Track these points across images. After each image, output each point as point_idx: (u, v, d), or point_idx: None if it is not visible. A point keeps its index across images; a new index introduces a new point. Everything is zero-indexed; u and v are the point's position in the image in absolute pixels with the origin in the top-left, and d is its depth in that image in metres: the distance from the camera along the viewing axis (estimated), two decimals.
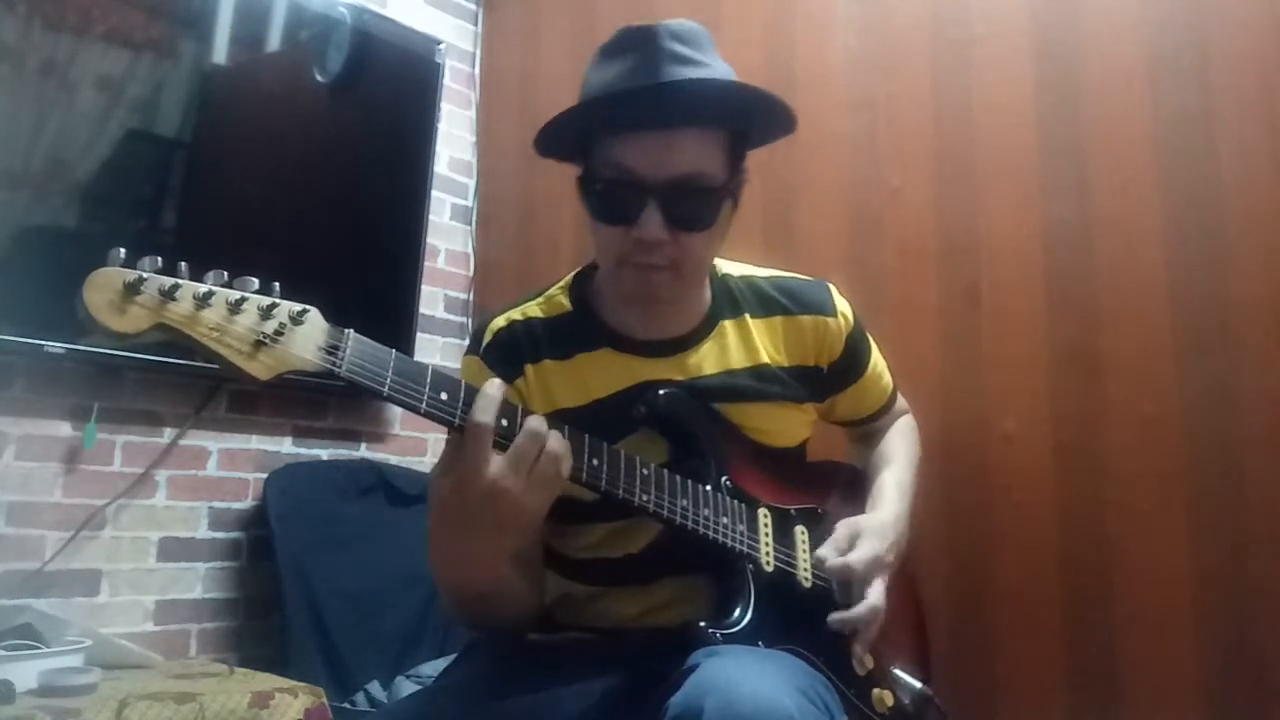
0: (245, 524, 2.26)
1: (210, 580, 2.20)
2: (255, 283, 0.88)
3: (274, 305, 0.87)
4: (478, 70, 2.93)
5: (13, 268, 1.92)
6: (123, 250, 0.81)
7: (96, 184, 2.05)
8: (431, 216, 2.67)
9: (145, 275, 0.81)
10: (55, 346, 1.90)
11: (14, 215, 1.95)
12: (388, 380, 0.92)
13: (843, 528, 1.22)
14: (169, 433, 2.16)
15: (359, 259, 2.46)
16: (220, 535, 2.22)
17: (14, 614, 1.75)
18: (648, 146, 1.09)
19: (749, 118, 1.17)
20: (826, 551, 1.19)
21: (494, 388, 0.96)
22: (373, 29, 2.55)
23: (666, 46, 1.10)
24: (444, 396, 0.95)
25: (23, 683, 1.55)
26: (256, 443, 2.31)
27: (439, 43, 2.71)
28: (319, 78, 2.45)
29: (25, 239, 1.96)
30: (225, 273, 0.86)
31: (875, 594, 1.17)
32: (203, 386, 2.20)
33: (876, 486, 1.37)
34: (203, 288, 0.84)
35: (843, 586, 1.19)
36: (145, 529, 2.11)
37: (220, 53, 2.26)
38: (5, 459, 1.93)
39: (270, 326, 0.87)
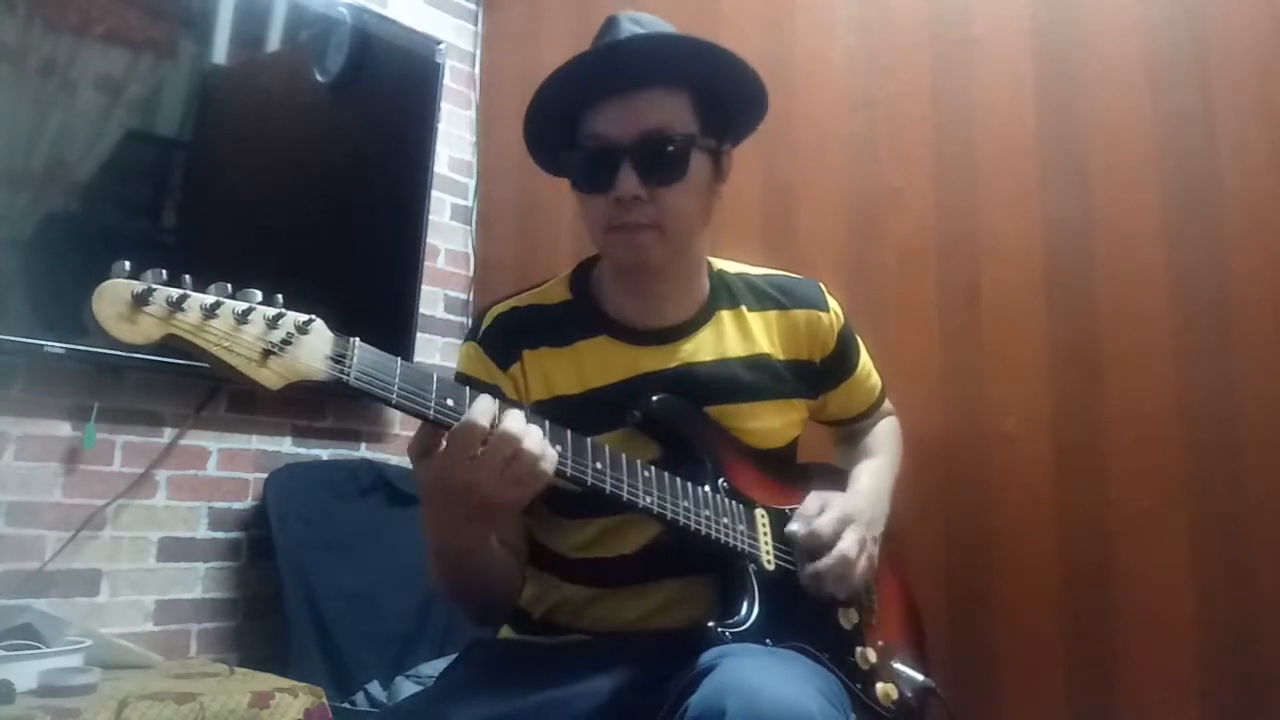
0: (245, 524, 2.26)
1: (210, 580, 2.20)
2: (259, 294, 0.88)
3: (280, 315, 0.87)
4: (478, 70, 2.93)
5: (13, 268, 1.93)
6: (127, 263, 0.81)
7: (96, 184, 2.05)
8: (431, 216, 2.67)
9: (153, 287, 0.81)
10: (55, 346, 1.90)
11: (14, 215, 1.95)
12: (395, 388, 0.93)
13: (812, 499, 1.24)
14: (169, 433, 2.16)
15: (359, 259, 2.46)
16: (220, 535, 2.22)
17: (14, 614, 1.75)
18: (614, 110, 1.16)
19: (707, 76, 1.20)
20: (795, 525, 1.21)
21: (488, 400, 0.98)
22: (373, 29, 2.54)
23: (624, 26, 1.19)
24: (450, 403, 0.96)
25: (23, 683, 1.55)
26: (256, 443, 2.31)
27: (439, 43, 2.71)
28: (319, 78, 2.45)
29: (25, 239, 1.95)
30: (229, 285, 0.86)
31: (845, 544, 1.18)
32: (203, 386, 2.20)
33: (853, 476, 1.39)
34: (209, 298, 0.84)
35: (815, 553, 1.20)
36: (145, 529, 2.11)
37: (220, 53, 2.26)
38: (5, 459, 1.93)
39: (277, 336, 0.87)
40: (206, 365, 0.86)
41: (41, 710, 1.45)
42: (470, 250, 2.84)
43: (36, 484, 1.97)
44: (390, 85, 2.59)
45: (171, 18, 2.19)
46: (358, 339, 0.92)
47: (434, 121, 2.67)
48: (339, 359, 0.90)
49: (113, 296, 0.80)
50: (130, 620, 2.06)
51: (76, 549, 2.00)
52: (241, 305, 0.86)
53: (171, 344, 0.83)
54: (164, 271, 0.83)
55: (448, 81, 2.76)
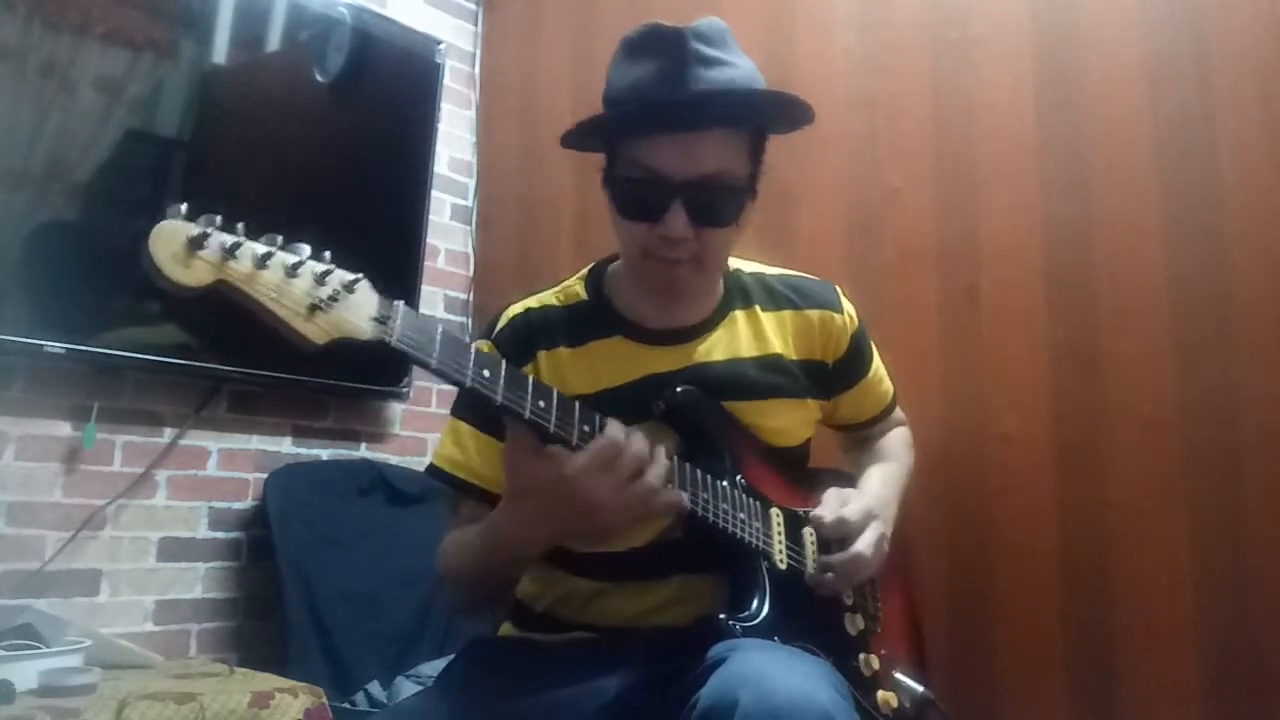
0: (245, 524, 2.26)
1: (210, 580, 2.20)
2: (308, 249, 0.88)
3: (328, 272, 0.88)
4: (478, 70, 2.93)
5: (13, 268, 1.92)
6: (184, 205, 0.81)
7: (96, 184, 2.05)
8: (431, 216, 2.67)
9: (209, 231, 0.81)
10: (55, 346, 1.90)
11: (14, 215, 1.94)
12: (435, 353, 0.92)
13: (833, 493, 1.25)
14: (169, 433, 2.16)
15: (358, 259, 2.44)
16: (220, 535, 2.22)
17: (14, 614, 1.75)
18: (673, 148, 1.12)
19: (771, 116, 1.20)
20: (822, 510, 1.21)
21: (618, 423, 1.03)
22: (373, 29, 2.54)
23: (693, 49, 1.13)
24: (486, 374, 0.96)
25: (23, 683, 1.55)
26: (256, 443, 2.31)
27: (439, 43, 2.71)
28: (319, 78, 2.45)
29: (25, 239, 1.95)
30: (280, 237, 0.86)
31: (862, 543, 1.20)
32: (203, 386, 2.20)
33: (864, 478, 1.39)
34: (261, 248, 0.84)
35: (841, 541, 1.21)
36: (145, 529, 2.11)
37: (220, 53, 2.26)
38: (5, 459, 1.93)
39: (325, 292, 0.87)
40: (261, 321, 0.85)
41: (41, 710, 1.45)
42: (470, 250, 2.84)
43: (36, 484, 1.97)
44: (390, 85, 2.59)
45: (171, 18, 2.19)
46: (401, 302, 0.92)
47: (434, 121, 2.68)
48: (383, 320, 0.90)
49: (170, 237, 0.80)
50: (130, 620, 2.06)
51: (76, 549, 2.00)
52: (292, 258, 0.86)
53: (219, 291, 0.82)
54: (218, 217, 0.83)
55: (448, 81, 2.76)
